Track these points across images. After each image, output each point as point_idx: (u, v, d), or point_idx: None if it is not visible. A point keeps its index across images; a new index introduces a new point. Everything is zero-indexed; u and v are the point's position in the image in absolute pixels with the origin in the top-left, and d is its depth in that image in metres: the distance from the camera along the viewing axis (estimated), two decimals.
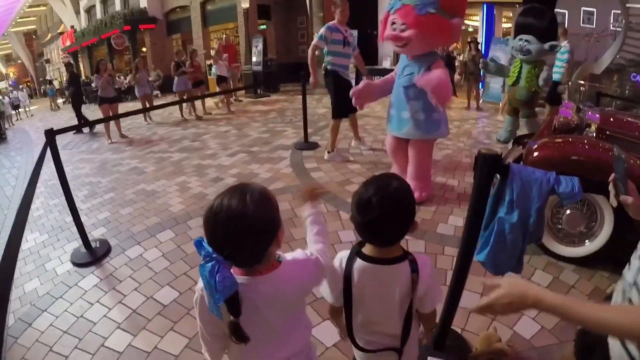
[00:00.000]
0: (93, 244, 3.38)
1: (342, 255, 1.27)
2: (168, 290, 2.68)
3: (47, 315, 2.61)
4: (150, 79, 11.90)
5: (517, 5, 10.49)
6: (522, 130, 5.03)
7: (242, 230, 0.96)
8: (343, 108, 5.08)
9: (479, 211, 1.60)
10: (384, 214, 1.11)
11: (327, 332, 2.18)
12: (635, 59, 9.29)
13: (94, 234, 3.66)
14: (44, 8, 31.32)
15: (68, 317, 2.55)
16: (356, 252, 1.24)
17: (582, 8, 12.27)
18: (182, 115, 9.79)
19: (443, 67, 3.46)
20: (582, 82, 5.22)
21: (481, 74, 8.66)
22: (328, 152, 5.25)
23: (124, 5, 20.81)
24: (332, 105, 5.20)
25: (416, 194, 3.51)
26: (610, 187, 1.17)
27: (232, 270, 0.98)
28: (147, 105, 9.75)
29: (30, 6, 27.23)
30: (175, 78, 9.73)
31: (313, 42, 4.98)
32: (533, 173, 1.47)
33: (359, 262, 1.22)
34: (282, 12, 15.58)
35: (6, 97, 17.21)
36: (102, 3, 23.00)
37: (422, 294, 1.23)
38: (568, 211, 2.71)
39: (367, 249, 1.23)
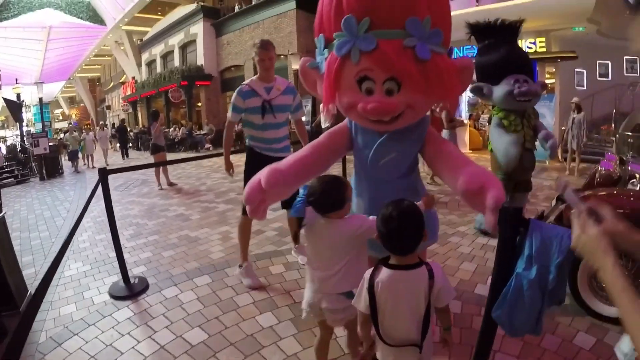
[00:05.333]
0: (132, 280, 3.48)
1: (369, 271, 1.56)
2: (198, 332, 2.69)
3: (77, 338, 2.70)
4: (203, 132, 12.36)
5: (559, 60, 10.39)
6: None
7: (319, 189, 1.73)
8: None
9: (504, 265, 1.58)
10: (401, 224, 1.44)
11: None
12: None
13: (134, 271, 3.77)
14: (109, 58, 34.68)
15: (97, 344, 2.62)
16: (382, 262, 1.53)
17: (625, 57, 12.05)
18: None
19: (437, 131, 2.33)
20: (630, 133, 4.88)
21: None
22: (239, 267, 3.55)
23: (183, 62, 22.53)
24: None
25: None
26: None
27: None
28: None
29: (96, 55, 30.07)
30: None
31: (227, 118, 3.49)
32: (554, 228, 1.44)
33: (384, 271, 1.51)
34: None
35: (90, 134, 16.30)
36: (162, 58, 25.02)
37: (438, 290, 1.49)
38: None
39: (391, 260, 1.53)
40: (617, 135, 7.32)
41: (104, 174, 3.36)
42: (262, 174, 1.85)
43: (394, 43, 1.69)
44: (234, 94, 3.34)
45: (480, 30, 4.00)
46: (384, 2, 1.70)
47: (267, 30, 16.82)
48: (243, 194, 1.88)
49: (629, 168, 3.13)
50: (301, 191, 1.80)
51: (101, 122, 19.57)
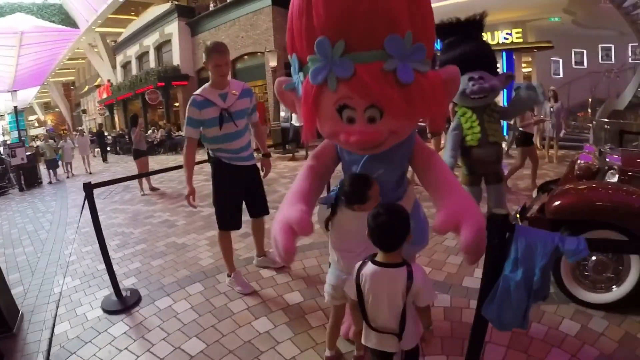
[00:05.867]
0: (124, 293, 3.44)
1: (358, 263, 1.75)
2: (195, 342, 2.70)
3: (75, 358, 2.67)
4: (182, 133, 12.23)
5: (535, 50, 10.64)
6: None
7: (346, 185, 1.92)
8: (228, 212, 3.32)
9: (491, 268, 1.64)
10: (389, 219, 1.61)
11: None
12: None
13: (125, 283, 3.74)
14: (83, 61, 33.81)
15: None
16: (370, 259, 1.70)
17: (600, 45, 12.39)
18: None
19: (428, 146, 2.13)
20: (606, 120, 4.97)
21: None
22: (228, 276, 3.52)
23: (158, 63, 22.04)
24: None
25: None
26: None
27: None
28: None
29: (69, 58, 29.21)
30: None
31: (185, 135, 3.21)
32: (538, 233, 1.52)
33: (369, 266, 1.68)
34: None
35: (68, 140, 15.02)
36: (137, 59, 24.42)
37: (416, 291, 1.63)
38: (593, 257, 2.65)
39: (377, 257, 1.69)
40: (594, 122, 7.55)
41: (88, 188, 3.30)
42: (290, 221, 1.82)
43: (373, 67, 1.54)
44: (188, 106, 3.10)
45: (440, 30, 3.96)
46: (359, 20, 1.51)
47: (243, 27, 16.64)
48: (277, 247, 1.83)
49: (607, 159, 3.23)
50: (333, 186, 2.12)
51: (79, 128, 19.18)
